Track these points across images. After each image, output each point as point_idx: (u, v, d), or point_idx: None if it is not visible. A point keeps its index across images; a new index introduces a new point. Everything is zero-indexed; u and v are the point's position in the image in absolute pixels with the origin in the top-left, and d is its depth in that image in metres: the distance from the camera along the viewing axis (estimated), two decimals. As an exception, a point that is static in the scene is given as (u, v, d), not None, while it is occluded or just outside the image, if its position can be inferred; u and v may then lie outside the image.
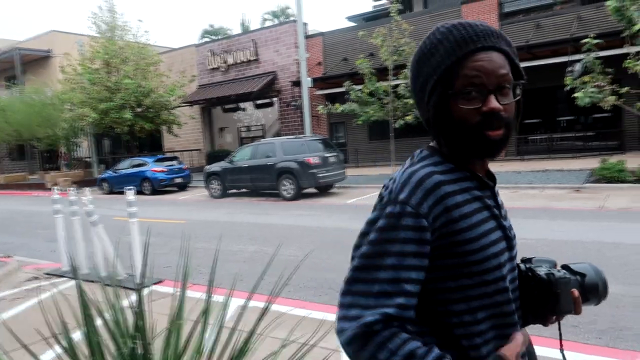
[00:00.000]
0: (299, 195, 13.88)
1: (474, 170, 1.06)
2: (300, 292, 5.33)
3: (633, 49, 11.83)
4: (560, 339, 1.15)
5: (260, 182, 14.74)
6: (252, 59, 23.98)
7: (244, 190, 15.69)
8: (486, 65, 0.98)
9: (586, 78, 12.07)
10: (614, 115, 16.40)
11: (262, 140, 16.72)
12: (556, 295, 1.06)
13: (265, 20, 34.72)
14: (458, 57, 0.98)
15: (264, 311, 1.86)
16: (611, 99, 11.89)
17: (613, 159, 12.40)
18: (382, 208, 0.99)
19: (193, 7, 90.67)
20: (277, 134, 23.68)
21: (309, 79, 18.94)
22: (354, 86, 16.52)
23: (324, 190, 14.92)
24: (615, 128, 16.92)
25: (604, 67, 11.97)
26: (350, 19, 28.45)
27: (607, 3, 11.81)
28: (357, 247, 1.01)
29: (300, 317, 3.88)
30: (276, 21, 33.05)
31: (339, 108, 16.78)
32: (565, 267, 1.13)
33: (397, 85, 16.11)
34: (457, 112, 0.99)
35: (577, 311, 1.07)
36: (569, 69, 13.53)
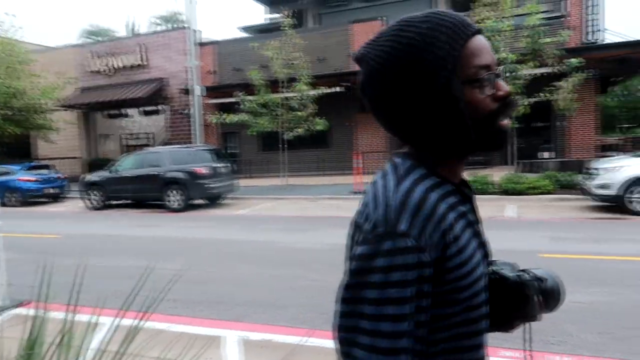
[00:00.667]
0: (187, 206, 13.44)
1: (453, 181, 0.94)
2: (184, 307, 5.11)
3: (498, 75, 13.20)
4: (530, 345, 1.09)
5: (146, 193, 14.05)
6: (139, 63, 22.86)
7: (127, 201, 14.86)
8: (488, 47, 0.90)
9: (459, 99, 13.23)
10: (483, 134, 18.10)
11: (149, 149, 15.97)
12: (527, 298, 1.00)
13: (154, 24, 33.34)
14: (466, 40, 0.87)
15: (135, 330, 1.76)
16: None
17: (481, 172, 13.68)
18: (377, 241, 0.82)
19: (72, 3, 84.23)
20: (166, 143, 22.77)
21: (201, 87, 18.52)
22: (246, 97, 16.47)
23: (214, 201, 14.61)
24: (484, 145, 18.64)
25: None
26: (243, 29, 28.38)
27: (477, 32, 13.08)
28: (350, 287, 0.84)
29: (178, 334, 3.73)
30: (166, 26, 31.88)
31: (231, 118, 16.60)
32: (522, 270, 1.07)
33: (289, 98, 16.36)
34: (473, 101, 0.87)
35: (539, 317, 1.02)
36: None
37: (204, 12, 68.42)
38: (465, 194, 0.95)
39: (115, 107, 23.52)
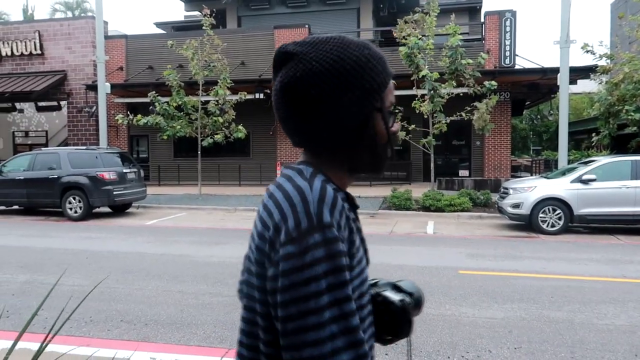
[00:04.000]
0: (88, 214, 12.12)
1: (344, 190, 1.01)
2: (86, 328, 4.52)
3: (419, 92, 13.45)
4: (410, 356, 1.32)
5: (40, 199, 12.51)
6: (35, 52, 20.67)
7: (16, 207, 13.16)
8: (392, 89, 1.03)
9: (382, 113, 13.25)
10: (404, 149, 18.51)
11: (44, 149, 14.27)
12: (409, 321, 1.09)
13: (56, 11, 30.58)
14: (390, 77, 1.01)
15: (38, 354, 1.49)
16: (401, 135, 13.26)
17: (402, 189, 13.80)
18: (304, 235, 0.85)
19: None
20: (65, 143, 20.75)
21: (108, 84, 17.03)
22: (159, 98, 15.34)
23: (121, 209, 13.38)
24: (405, 161, 19.09)
25: (397, 105, 13.29)
26: (158, 25, 26.85)
27: (401, 49, 13.23)
28: (287, 288, 0.84)
29: (85, 357, 3.16)
30: (70, 14, 29.36)
31: (142, 120, 15.35)
32: (396, 286, 1.14)
33: (207, 102, 15.50)
34: (378, 128, 0.99)
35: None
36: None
37: (113, 3, 64.58)
38: (355, 204, 1.01)
39: (5, 100, 20.98)
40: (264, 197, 0.96)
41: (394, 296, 1.10)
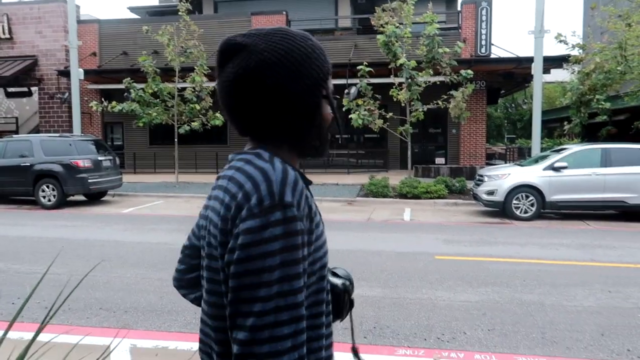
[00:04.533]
0: (62, 203, 11.91)
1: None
2: (64, 316, 4.49)
3: (397, 80, 13.53)
4: (354, 337, 1.29)
5: (11, 187, 12.21)
6: (3, 37, 20.03)
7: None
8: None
9: (359, 101, 13.32)
10: (381, 137, 18.64)
11: (15, 136, 13.91)
12: (350, 301, 1.22)
13: (25, -6, 29.55)
14: (331, 66, 1.07)
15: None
16: (379, 122, 13.36)
17: (379, 176, 13.92)
18: (266, 213, 0.89)
19: None
20: (36, 130, 20.25)
21: (81, 70, 16.63)
22: (135, 84, 15.07)
23: (96, 198, 13.17)
24: (382, 148, 19.21)
25: (374, 93, 13.39)
26: (132, 10, 26.27)
27: (378, 37, 13.26)
28: (241, 260, 0.88)
29: (64, 345, 3.09)
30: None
31: (117, 107, 15.07)
32: (334, 273, 1.23)
33: (183, 89, 15.30)
34: (324, 114, 1.06)
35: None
36: (346, 91, 14.77)
37: (84, -12, 62.82)
38: (306, 179, 1.03)
39: (-27, 85, 20.35)
40: (222, 182, 0.99)
41: (337, 280, 1.19)
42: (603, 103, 13.07)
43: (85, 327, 4.22)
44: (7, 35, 19.99)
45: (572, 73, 15.07)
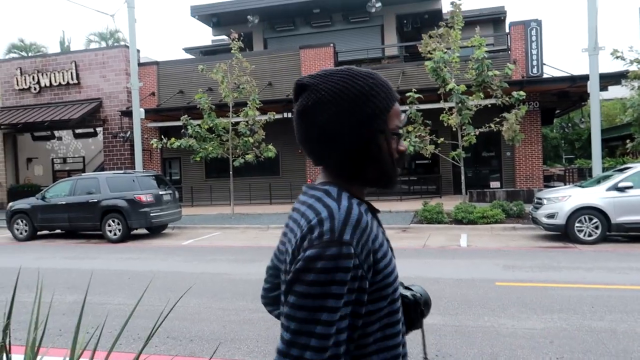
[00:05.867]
0: (127, 236, 12.50)
1: (363, 200, 1.15)
2: (135, 344, 4.68)
3: (447, 105, 13.48)
4: (426, 351, 1.40)
5: (81, 222, 12.97)
6: (72, 82, 21.58)
7: (58, 231, 13.66)
8: (400, 112, 1.16)
9: (410, 128, 13.33)
10: (433, 163, 18.48)
11: (83, 174, 14.84)
12: (421, 313, 1.29)
13: (90, 41, 31.88)
14: (394, 102, 1.14)
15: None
16: (430, 148, 13.29)
17: (432, 202, 13.76)
18: (324, 247, 0.99)
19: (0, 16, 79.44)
20: (101, 168, 21.47)
21: (142, 109, 17.63)
22: (191, 121, 15.80)
23: (157, 231, 13.73)
24: (434, 174, 19.02)
25: (424, 119, 13.37)
26: (187, 50, 27.69)
27: (426, 63, 13.32)
28: (292, 282, 1.00)
29: None
30: (103, 44, 30.55)
31: (175, 143, 15.83)
32: (406, 287, 1.33)
33: (237, 123, 15.88)
34: (384, 148, 1.12)
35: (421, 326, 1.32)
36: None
37: (142, 31, 66.78)
38: (374, 209, 1.17)
39: (44, 129, 21.92)
40: (296, 215, 1.11)
41: (406, 291, 1.30)
42: (667, 118, 12.45)
43: (156, 356, 4.38)
44: (75, 81, 21.51)
45: (632, 89, 14.49)
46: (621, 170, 10.70)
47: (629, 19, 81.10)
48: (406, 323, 1.24)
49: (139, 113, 17.27)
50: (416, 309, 1.27)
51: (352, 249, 0.99)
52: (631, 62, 13.70)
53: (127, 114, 19.37)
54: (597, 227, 9.80)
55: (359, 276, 1.00)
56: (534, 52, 17.57)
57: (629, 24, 74.52)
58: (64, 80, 21.59)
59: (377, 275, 1.04)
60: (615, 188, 9.90)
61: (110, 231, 12.50)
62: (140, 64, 20.14)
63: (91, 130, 22.24)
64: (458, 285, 6.65)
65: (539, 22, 17.71)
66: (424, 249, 9.91)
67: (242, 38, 16.46)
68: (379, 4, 20.41)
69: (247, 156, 15.68)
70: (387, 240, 1.15)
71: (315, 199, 1.09)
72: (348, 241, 0.99)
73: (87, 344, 1.77)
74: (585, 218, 9.90)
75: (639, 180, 9.87)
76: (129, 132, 19.92)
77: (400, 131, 1.15)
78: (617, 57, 13.51)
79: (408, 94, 13.42)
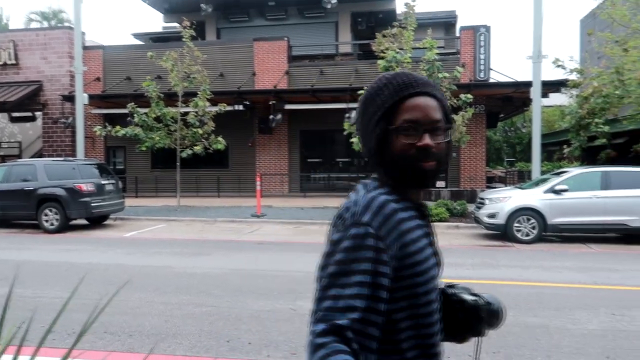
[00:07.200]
0: (65, 227, 11.93)
1: (414, 202, 1.17)
2: (69, 340, 4.43)
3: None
4: (478, 356, 1.36)
5: (15, 211, 12.26)
6: (9, 62, 20.34)
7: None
8: (422, 106, 1.12)
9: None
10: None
11: (20, 160, 14.03)
12: (481, 318, 1.24)
13: (31, 20, 30.13)
14: (400, 97, 1.12)
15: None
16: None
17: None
18: (345, 229, 1.05)
19: None
20: (39, 155, 20.38)
21: (85, 95, 16.86)
22: (138, 109, 15.26)
23: (98, 222, 13.19)
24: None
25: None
26: (136, 36, 26.71)
27: (379, 62, 13.48)
28: (323, 267, 1.07)
29: None
30: (45, 24, 28.97)
31: (121, 131, 15.24)
32: (473, 293, 1.29)
33: (186, 113, 15.48)
34: (396, 145, 1.12)
35: (486, 334, 1.29)
36: (347, 115, 14.95)
37: (90, 14, 63.91)
38: (423, 212, 1.18)
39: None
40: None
41: (468, 297, 1.26)
42: (602, 126, 13.20)
43: (91, 351, 4.20)
44: (13, 61, 20.29)
45: (571, 97, 15.26)
46: (558, 174, 11.24)
47: (570, 30, 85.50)
48: (464, 328, 1.26)
49: (82, 98, 16.52)
50: (476, 314, 1.24)
51: (371, 229, 1.03)
52: (571, 71, 14.42)
53: (70, 98, 18.48)
54: (534, 228, 10.26)
55: (382, 260, 1.03)
56: (482, 56, 18.16)
57: (570, 35, 78.54)
58: (0, 60, 20.31)
59: (408, 268, 1.06)
60: (552, 191, 10.39)
61: (47, 221, 11.88)
62: (85, 47, 19.25)
63: (29, 114, 21.03)
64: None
65: (487, 28, 18.31)
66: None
67: (194, 26, 16.03)
68: (334, 1, 20.46)
69: (195, 147, 15.34)
70: (432, 246, 1.17)
71: (357, 190, 1.16)
72: (366, 222, 1.04)
73: (12, 338, 1.64)
74: (523, 218, 10.34)
75: (574, 184, 10.41)
76: (70, 118, 19.00)
77: (409, 125, 1.11)
78: (559, 66, 14.18)
79: (359, 92, 13.53)
